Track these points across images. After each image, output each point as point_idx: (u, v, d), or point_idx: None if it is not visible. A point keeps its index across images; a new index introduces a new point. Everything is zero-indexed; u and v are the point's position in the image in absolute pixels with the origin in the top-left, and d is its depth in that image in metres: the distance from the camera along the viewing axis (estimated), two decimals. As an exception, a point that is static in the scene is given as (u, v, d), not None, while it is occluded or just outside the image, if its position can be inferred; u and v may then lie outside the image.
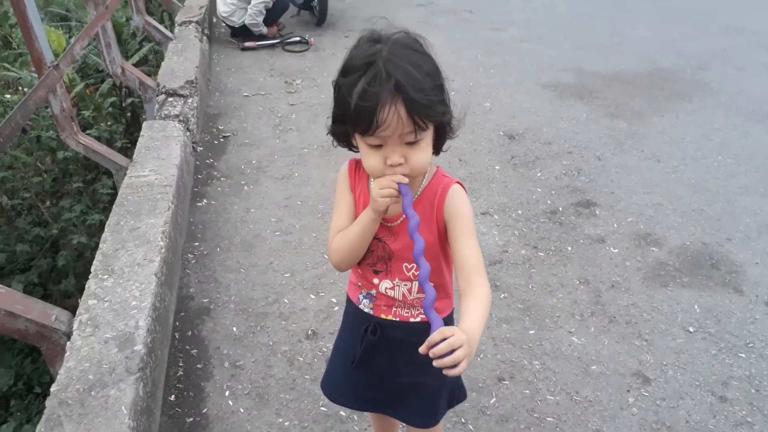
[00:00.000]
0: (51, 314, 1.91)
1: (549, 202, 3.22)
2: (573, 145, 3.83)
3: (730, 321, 2.43)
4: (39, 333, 1.87)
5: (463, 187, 1.26)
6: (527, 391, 2.08)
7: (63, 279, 3.11)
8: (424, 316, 1.24)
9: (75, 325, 1.88)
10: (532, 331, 2.35)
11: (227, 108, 4.30)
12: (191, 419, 1.97)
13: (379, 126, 1.07)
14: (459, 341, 0.95)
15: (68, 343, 1.81)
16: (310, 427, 1.93)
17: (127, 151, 3.75)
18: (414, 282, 1.30)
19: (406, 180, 1.15)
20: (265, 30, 5.63)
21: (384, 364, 1.40)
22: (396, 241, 1.27)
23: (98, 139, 3.75)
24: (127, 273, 2.12)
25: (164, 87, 3.83)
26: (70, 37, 5.26)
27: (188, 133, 3.41)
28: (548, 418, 1.99)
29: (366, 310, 1.38)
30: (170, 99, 3.74)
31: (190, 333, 2.30)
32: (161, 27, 5.05)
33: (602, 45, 5.71)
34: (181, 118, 3.49)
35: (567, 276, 2.66)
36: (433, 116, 1.11)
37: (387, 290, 1.33)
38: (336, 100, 1.15)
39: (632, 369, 2.19)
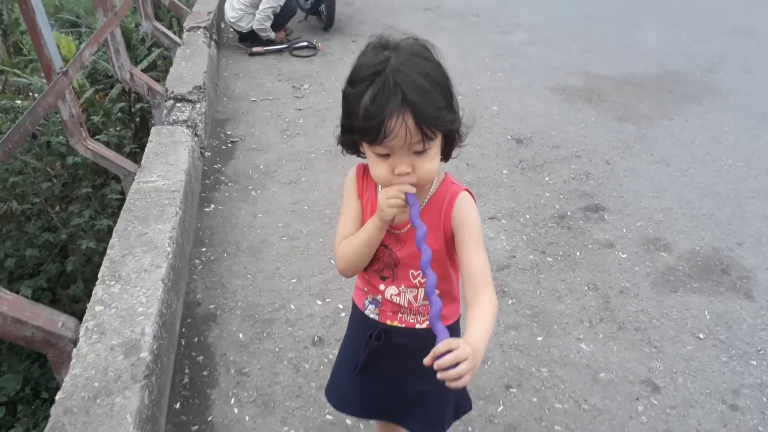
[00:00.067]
0: (57, 321, 1.91)
1: (557, 206, 3.20)
2: (581, 148, 3.80)
3: (741, 327, 2.40)
4: (45, 340, 1.87)
5: (472, 195, 1.25)
6: (535, 399, 2.07)
7: (72, 284, 3.12)
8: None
9: (81, 332, 1.88)
10: (540, 338, 2.33)
11: (235, 113, 4.31)
12: (196, 427, 1.96)
13: (386, 136, 1.06)
14: (464, 354, 0.94)
15: (74, 350, 1.81)
16: (316, 435, 1.93)
17: (136, 156, 3.76)
18: (420, 289, 1.30)
19: (413, 190, 1.14)
20: (272, 35, 5.64)
21: (389, 371, 1.39)
22: (403, 248, 1.27)
23: (107, 144, 3.77)
24: (134, 279, 2.12)
25: (172, 92, 3.84)
26: (80, 43, 5.30)
27: (196, 139, 3.42)
28: (556, 427, 1.97)
29: (371, 315, 1.38)
30: (178, 104, 3.75)
31: (196, 339, 2.30)
32: (170, 33, 5.07)
33: (610, 48, 5.68)
34: (189, 124, 3.50)
35: (575, 281, 2.64)
36: (442, 125, 1.10)
37: (393, 297, 1.33)
38: (344, 109, 1.14)
39: (641, 376, 2.17)
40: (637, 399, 2.08)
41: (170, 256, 2.25)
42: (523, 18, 6.62)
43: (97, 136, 3.86)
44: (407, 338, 1.34)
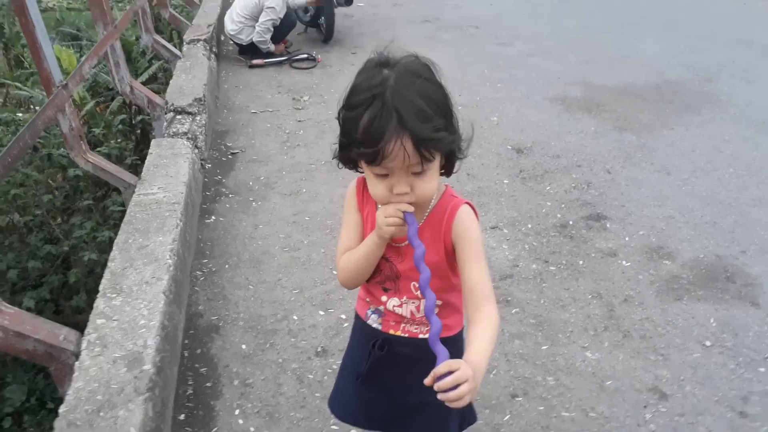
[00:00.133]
0: (59, 334, 1.90)
1: (559, 215, 3.19)
2: (582, 158, 3.80)
3: (748, 334, 2.39)
4: (47, 353, 1.86)
5: (473, 208, 1.25)
6: (541, 408, 2.05)
7: (74, 295, 3.11)
8: None
9: (83, 345, 1.86)
10: (545, 347, 2.31)
11: (235, 125, 4.32)
12: (200, 439, 1.94)
13: (384, 159, 1.06)
14: (464, 376, 0.97)
15: (77, 363, 1.80)
16: (320, 447, 1.91)
17: (137, 167, 3.76)
18: (422, 300, 1.29)
19: (411, 209, 1.15)
20: (272, 47, 5.67)
21: (392, 381, 1.39)
22: (403, 261, 1.27)
23: (108, 156, 3.77)
24: (136, 291, 2.10)
25: (172, 105, 3.84)
26: (81, 56, 5.32)
27: (196, 151, 3.42)
28: (563, 436, 1.95)
29: (374, 325, 1.37)
30: (178, 117, 3.75)
31: (199, 351, 2.28)
32: (170, 45, 5.09)
33: (609, 58, 5.71)
34: (190, 136, 3.49)
35: (579, 290, 2.63)
36: (441, 148, 1.11)
37: (395, 308, 1.33)
38: (342, 128, 1.13)
39: (648, 384, 2.15)
40: (645, 407, 2.06)
41: (171, 268, 2.24)
42: (522, 29, 6.66)
43: (98, 149, 3.86)
44: (410, 348, 1.34)
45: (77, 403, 1.64)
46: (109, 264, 2.27)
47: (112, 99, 4.69)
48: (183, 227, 2.61)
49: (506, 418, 2.00)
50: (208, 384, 2.13)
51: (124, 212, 2.71)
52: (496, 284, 2.64)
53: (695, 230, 3.06)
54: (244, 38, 5.59)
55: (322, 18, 6.12)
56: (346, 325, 2.39)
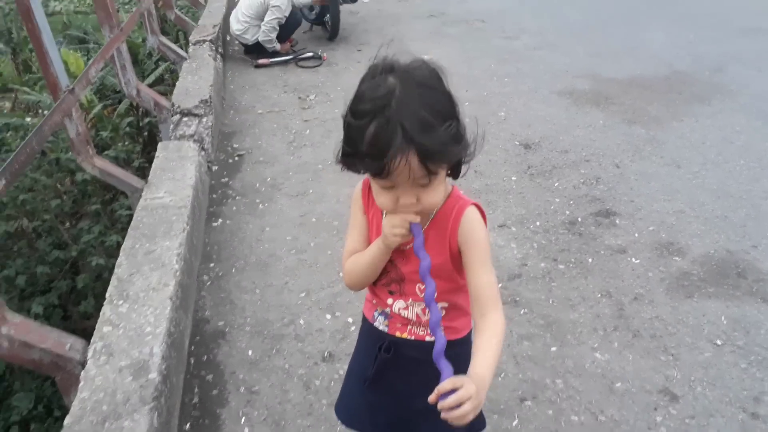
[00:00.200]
0: (65, 343, 1.90)
1: (567, 212, 3.16)
2: (590, 152, 3.76)
3: (759, 332, 2.35)
4: (53, 363, 1.86)
5: (480, 208, 1.23)
6: (550, 412, 2.03)
7: (83, 300, 3.13)
8: None
9: (89, 354, 1.87)
10: (554, 348, 2.29)
11: (242, 126, 4.31)
12: (208, 446, 1.95)
13: (390, 173, 1.04)
14: (468, 393, 0.97)
15: (82, 372, 1.80)
16: (328, 453, 1.90)
17: (145, 170, 3.77)
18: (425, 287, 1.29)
19: (417, 219, 1.14)
20: (278, 46, 5.65)
21: (398, 384, 1.38)
22: (408, 264, 1.26)
23: (116, 159, 3.78)
24: (142, 298, 2.11)
25: (179, 107, 3.84)
26: (88, 59, 5.34)
27: (203, 153, 3.42)
28: (572, 440, 1.93)
29: (381, 327, 1.37)
30: (185, 119, 3.75)
31: (205, 358, 2.29)
32: (175, 47, 5.10)
33: (617, 50, 5.64)
34: (196, 138, 3.50)
35: (588, 289, 2.60)
36: (447, 161, 1.09)
37: (401, 310, 1.32)
38: (346, 136, 1.10)
39: (659, 386, 2.12)
40: (655, 409, 2.03)
41: (178, 274, 2.24)
42: (527, 23, 6.60)
43: (106, 152, 3.87)
44: (416, 351, 1.33)
45: (82, 414, 1.65)
46: (115, 270, 2.27)
47: (120, 102, 4.71)
48: (190, 231, 2.61)
49: (515, 423, 1.98)
50: (214, 392, 2.13)
51: (131, 216, 2.72)
52: (505, 284, 2.62)
53: (706, 225, 3.02)
54: (250, 38, 5.58)
55: (327, 16, 6.11)
56: (353, 329, 2.38)
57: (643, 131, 4.03)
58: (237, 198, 3.39)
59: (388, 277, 1.31)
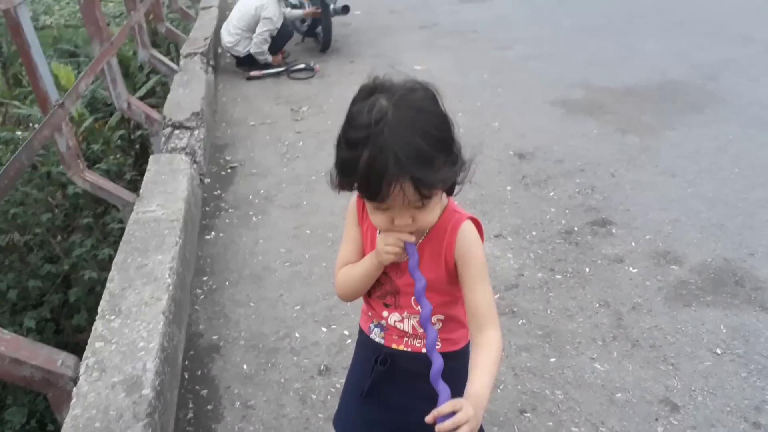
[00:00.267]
0: (57, 359, 1.86)
1: (563, 221, 3.15)
2: (585, 162, 3.76)
3: (759, 341, 2.33)
4: (45, 379, 1.82)
5: (476, 222, 1.22)
6: (551, 424, 2.00)
7: (75, 314, 3.09)
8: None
9: (82, 370, 1.83)
10: (552, 359, 2.27)
11: (234, 138, 4.29)
12: (202, 464, 1.90)
13: (384, 200, 1.03)
14: (465, 417, 0.98)
15: (75, 388, 1.76)
16: (325, 469, 1.86)
17: (137, 183, 3.74)
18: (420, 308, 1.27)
19: (412, 239, 1.14)
20: (270, 58, 5.65)
21: (395, 398, 1.36)
22: (403, 277, 1.25)
23: (107, 172, 3.75)
24: (135, 313, 2.07)
25: (170, 120, 3.82)
26: (79, 72, 5.31)
27: (195, 166, 3.39)
28: (574, 452, 1.91)
29: (377, 339, 1.35)
30: (176, 132, 3.73)
31: (199, 372, 2.25)
32: (166, 60, 5.08)
33: (610, 59, 5.67)
34: (188, 151, 3.47)
35: (586, 299, 2.58)
36: (442, 187, 1.08)
37: (396, 323, 1.31)
38: (340, 165, 1.08)
39: (659, 396, 2.10)
40: (656, 419, 2.01)
41: (171, 288, 2.21)
42: (521, 32, 6.62)
43: (97, 165, 3.84)
44: (413, 363, 1.30)
45: (75, 431, 1.60)
46: (107, 285, 2.24)
47: (111, 115, 4.68)
48: (182, 245, 2.58)
49: (515, 434, 1.96)
50: (209, 407, 2.09)
51: (123, 229, 2.69)
52: (502, 294, 2.60)
53: (702, 233, 3.01)
54: (242, 50, 5.58)
55: (319, 27, 6.12)
56: (349, 341, 2.35)
57: (637, 140, 4.03)
58: (230, 210, 3.36)
59: (383, 290, 1.29)
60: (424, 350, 1.30)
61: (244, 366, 2.26)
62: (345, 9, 5.90)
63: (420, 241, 1.20)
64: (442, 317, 1.29)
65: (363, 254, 1.29)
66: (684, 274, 2.73)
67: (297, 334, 2.42)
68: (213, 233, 3.14)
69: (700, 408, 2.05)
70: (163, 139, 3.67)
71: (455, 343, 1.33)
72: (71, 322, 3.06)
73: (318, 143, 4.14)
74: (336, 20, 6.18)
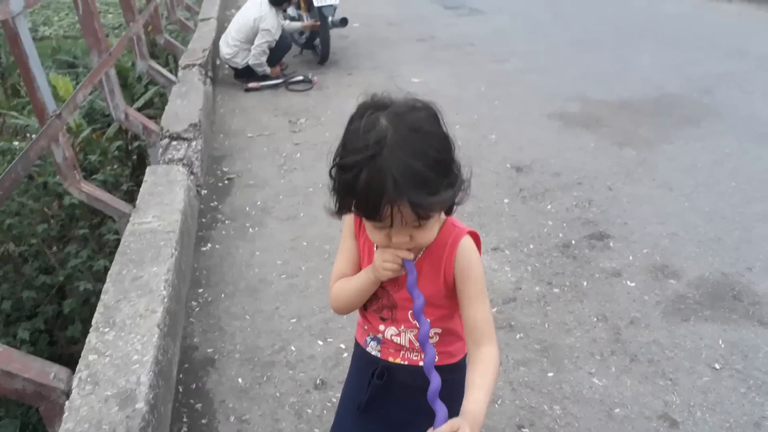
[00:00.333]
0: (49, 372, 1.84)
1: (561, 235, 3.14)
2: (582, 175, 3.76)
3: (758, 356, 2.33)
4: (37, 392, 1.80)
5: (474, 235, 1.21)
6: (548, 439, 1.98)
7: (69, 325, 3.06)
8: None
9: (74, 383, 1.81)
10: (550, 374, 2.25)
11: (231, 149, 4.29)
12: (196, 479, 1.88)
13: (381, 220, 1.03)
14: None
15: (67, 402, 1.74)
16: (320, 485, 1.84)
17: (133, 194, 3.73)
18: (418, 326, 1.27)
19: (411, 256, 1.13)
20: (268, 70, 5.66)
21: (393, 412, 1.34)
22: (400, 291, 1.24)
23: (104, 183, 3.74)
24: (129, 325, 2.05)
25: (168, 131, 3.82)
26: (77, 83, 5.31)
27: (192, 177, 3.38)
28: (572, 469, 1.88)
29: (373, 352, 1.34)
30: (174, 143, 3.72)
31: (194, 386, 2.22)
32: (165, 71, 5.08)
33: (606, 73, 5.69)
34: (185, 162, 3.46)
35: (584, 313, 2.57)
36: (441, 209, 1.07)
37: (393, 337, 1.30)
38: (339, 184, 1.06)
39: (658, 411, 2.09)
40: (655, 436, 1.99)
41: (166, 300, 2.19)
42: (517, 46, 6.66)
43: (94, 176, 3.83)
44: (410, 376, 1.30)
45: (66, 447, 1.58)
46: (102, 296, 2.22)
47: (109, 125, 4.67)
48: (178, 257, 2.56)
49: (512, 450, 1.94)
50: (203, 421, 2.07)
51: (119, 240, 2.67)
52: (500, 308, 2.59)
53: (700, 247, 3.01)
54: (240, 62, 5.59)
55: (318, 40, 6.14)
56: (345, 355, 2.33)
57: (634, 153, 4.04)
58: (226, 222, 3.34)
59: (379, 304, 1.28)
60: (421, 363, 1.29)
61: (239, 379, 2.24)
62: (343, 21, 5.92)
63: (418, 256, 1.19)
64: (439, 331, 1.28)
65: (359, 267, 1.28)
66: (682, 288, 2.72)
67: (293, 348, 2.40)
68: (209, 245, 3.12)
69: (700, 424, 2.03)
70: (160, 150, 3.66)
71: (452, 356, 1.32)
72: (65, 333, 3.04)
73: (316, 155, 4.13)
74: (334, 33, 6.21)
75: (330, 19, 5.83)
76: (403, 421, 1.33)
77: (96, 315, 2.11)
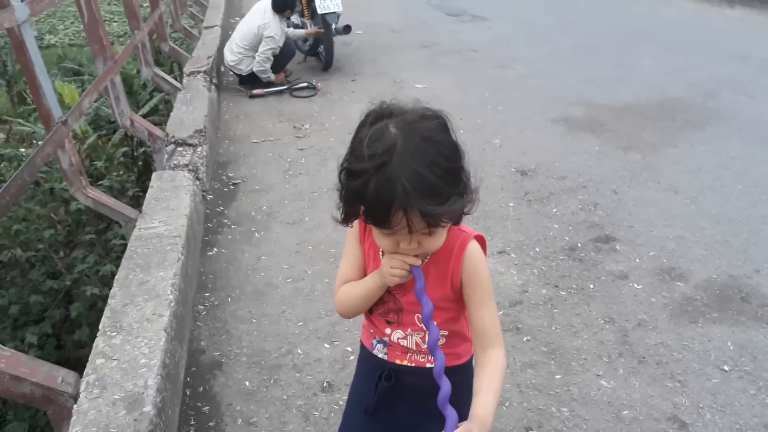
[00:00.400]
0: (57, 376, 1.84)
1: (567, 238, 3.14)
2: (587, 179, 3.76)
3: (767, 358, 2.31)
4: (45, 396, 1.80)
5: (481, 240, 1.21)
6: (557, 442, 1.97)
7: (77, 329, 3.07)
8: None
9: (82, 387, 1.81)
10: (558, 376, 2.24)
11: (237, 155, 4.30)
12: (204, 483, 1.87)
13: (391, 227, 1.02)
14: None
15: (75, 406, 1.74)
16: (328, 488, 1.83)
17: (139, 199, 3.75)
18: (427, 332, 1.26)
19: (418, 262, 1.12)
20: (272, 77, 5.68)
21: (401, 415, 1.34)
22: (407, 295, 1.23)
23: (110, 189, 3.75)
24: (136, 329, 2.05)
25: (173, 137, 3.83)
26: (82, 90, 5.34)
27: (198, 182, 3.39)
28: (581, 471, 1.87)
29: (380, 355, 1.33)
30: (179, 149, 3.74)
31: (201, 389, 2.22)
32: (170, 78, 5.11)
33: (609, 77, 5.70)
34: (191, 167, 3.47)
35: (591, 315, 2.56)
36: (450, 218, 1.06)
37: (399, 340, 1.29)
38: (348, 191, 1.06)
39: (667, 413, 2.07)
40: (664, 438, 1.98)
41: (173, 304, 2.19)
42: (519, 52, 6.67)
43: (100, 182, 3.84)
44: (418, 378, 1.29)
45: (74, 449, 1.58)
46: (109, 301, 2.22)
47: (114, 132, 4.69)
48: (185, 261, 2.56)
49: (521, 452, 1.93)
50: (210, 424, 2.07)
51: (125, 245, 2.67)
52: (506, 311, 2.58)
53: (707, 250, 3.00)
54: (244, 68, 5.62)
55: (321, 47, 6.16)
56: (352, 358, 2.33)
57: (639, 157, 4.04)
58: (232, 227, 3.35)
59: (385, 307, 1.28)
60: (428, 365, 1.29)
61: (246, 383, 2.24)
62: (346, 29, 5.94)
63: (425, 261, 1.18)
64: (446, 333, 1.27)
65: (364, 272, 1.28)
66: (689, 290, 2.71)
67: (299, 351, 2.39)
68: (215, 249, 3.13)
69: (709, 426, 2.02)
70: (165, 156, 3.68)
71: (459, 357, 1.32)
72: (73, 337, 3.04)
73: (320, 160, 4.14)
74: (338, 39, 6.23)
75: (333, 26, 5.86)
76: (411, 424, 1.33)
77: (103, 319, 2.11)
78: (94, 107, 4.79)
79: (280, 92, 5.61)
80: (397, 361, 1.31)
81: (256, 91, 5.56)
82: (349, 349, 2.39)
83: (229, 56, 5.64)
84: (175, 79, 5.29)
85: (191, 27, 7.37)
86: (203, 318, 2.61)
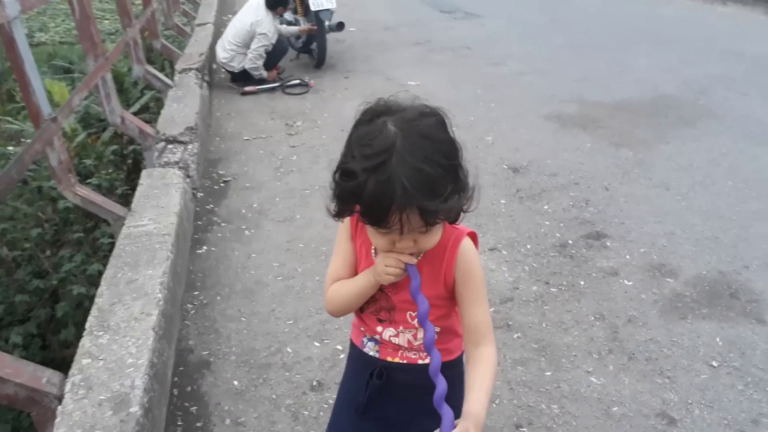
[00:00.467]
0: (42, 377, 1.82)
1: (558, 235, 3.13)
2: (579, 176, 3.76)
3: (755, 353, 2.32)
4: (29, 397, 1.78)
5: (474, 238, 1.21)
6: (546, 439, 1.97)
7: (62, 329, 3.05)
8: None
9: (67, 387, 1.79)
10: (548, 373, 2.24)
11: (228, 152, 4.28)
12: (191, 482, 1.86)
13: (388, 227, 1.01)
14: None
15: (59, 407, 1.72)
16: (317, 487, 1.82)
17: (128, 197, 3.72)
18: (419, 329, 1.25)
19: (414, 261, 1.12)
20: (265, 74, 5.66)
21: (392, 412, 1.33)
22: (399, 293, 1.22)
23: (99, 187, 3.72)
24: (124, 328, 2.03)
25: (164, 134, 3.81)
26: (73, 88, 5.30)
27: (188, 180, 3.37)
28: (570, 468, 1.87)
29: (371, 353, 1.32)
30: (170, 146, 3.71)
31: (189, 389, 2.21)
32: (161, 75, 5.08)
33: (602, 74, 5.70)
34: (181, 165, 3.45)
35: (581, 312, 2.56)
36: (449, 215, 1.05)
37: (391, 338, 1.28)
38: (344, 190, 1.05)
39: (656, 409, 2.07)
40: (654, 435, 1.98)
41: (161, 303, 2.17)
42: (513, 49, 6.67)
43: (89, 180, 3.82)
44: (410, 375, 1.28)
45: (59, 451, 1.56)
46: (96, 300, 2.20)
47: (104, 130, 4.66)
48: (174, 259, 2.54)
49: (510, 450, 1.92)
50: (198, 424, 2.05)
51: (113, 244, 2.65)
52: (497, 308, 2.58)
53: (697, 246, 3.00)
54: (236, 66, 5.59)
55: (314, 44, 6.14)
56: (342, 356, 2.32)
57: (630, 154, 4.04)
58: (222, 225, 3.33)
59: (377, 305, 1.27)
60: (420, 362, 1.29)
61: (235, 382, 2.23)
62: (340, 26, 5.92)
63: (418, 258, 1.18)
64: (438, 329, 1.26)
65: (355, 270, 1.27)
66: (679, 286, 2.71)
67: (289, 349, 2.38)
68: (205, 247, 3.11)
69: (698, 421, 2.02)
70: (156, 153, 3.65)
71: (451, 353, 1.31)
72: (58, 337, 3.02)
73: (312, 157, 4.13)
74: (331, 37, 6.21)
75: (326, 23, 5.84)
76: (402, 421, 1.32)
77: (90, 318, 2.09)
78: (84, 105, 4.76)
79: (273, 89, 5.59)
80: (389, 358, 1.30)
81: (248, 88, 5.54)
82: (339, 347, 2.38)
83: (222, 53, 5.62)
84: (167, 76, 5.26)
85: (184, 24, 7.33)
86: (192, 317, 2.60)
